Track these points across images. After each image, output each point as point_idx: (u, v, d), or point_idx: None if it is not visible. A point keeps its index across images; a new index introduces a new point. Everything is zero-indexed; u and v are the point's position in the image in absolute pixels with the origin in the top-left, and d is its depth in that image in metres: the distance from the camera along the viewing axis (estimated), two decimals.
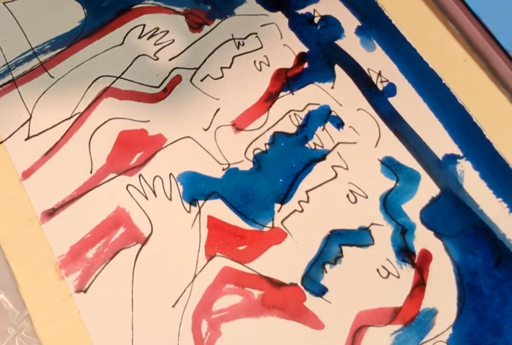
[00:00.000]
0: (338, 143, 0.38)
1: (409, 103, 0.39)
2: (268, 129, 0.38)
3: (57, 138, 0.37)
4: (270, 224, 0.36)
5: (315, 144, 0.38)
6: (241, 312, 0.34)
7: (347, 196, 0.37)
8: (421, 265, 0.35)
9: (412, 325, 0.34)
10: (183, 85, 0.39)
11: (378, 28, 0.41)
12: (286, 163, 0.37)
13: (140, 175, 0.37)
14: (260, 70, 0.40)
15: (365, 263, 0.35)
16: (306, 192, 0.37)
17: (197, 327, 0.33)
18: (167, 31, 0.41)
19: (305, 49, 0.41)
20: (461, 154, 0.38)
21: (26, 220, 0.35)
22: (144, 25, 0.41)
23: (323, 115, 0.39)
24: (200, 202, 0.36)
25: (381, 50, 0.41)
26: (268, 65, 0.40)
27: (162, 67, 0.40)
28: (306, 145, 0.38)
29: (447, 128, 0.39)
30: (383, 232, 0.36)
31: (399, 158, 0.38)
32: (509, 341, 0.34)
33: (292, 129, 0.38)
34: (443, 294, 0.35)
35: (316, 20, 0.41)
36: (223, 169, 0.37)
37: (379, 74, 0.40)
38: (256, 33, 0.41)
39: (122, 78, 0.39)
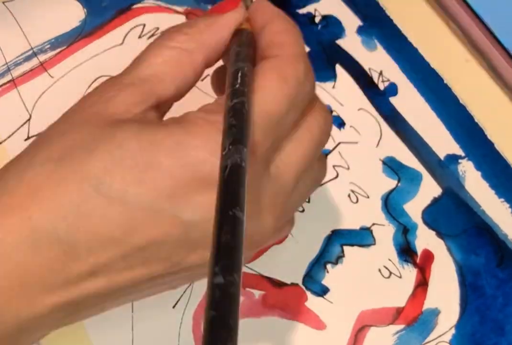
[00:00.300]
0: (339, 143, 0.38)
1: (410, 103, 0.39)
2: None
3: None
4: None
5: None
6: (242, 313, 0.34)
7: (349, 195, 0.37)
8: (423, 265, 0.35)
9: (414, 325, 0.34)
10: None
11: (380, 28, 0.41)
12: None
13: None
14: None
15: (366, 263, 0.35)
16: None
17: (198, 327, 0.33)
18: None
19: (306, 49, 0.40)
20: (463, 154, 0.38)
21: None
22: (144, 25, 0.40)
23: None
24: None
25: (382, 50, 0.40)
26: None
27: None
28: None
29: (448, 128, 0.39)
30: (385, 232, 0.36)
31: (400, 158, 0.38)
32: None
33: None
34: (445, 294, 0.34)
35: (317, 19, 0.41)
36: None
37: (381, 74, 0.40)
38: None
39: None
